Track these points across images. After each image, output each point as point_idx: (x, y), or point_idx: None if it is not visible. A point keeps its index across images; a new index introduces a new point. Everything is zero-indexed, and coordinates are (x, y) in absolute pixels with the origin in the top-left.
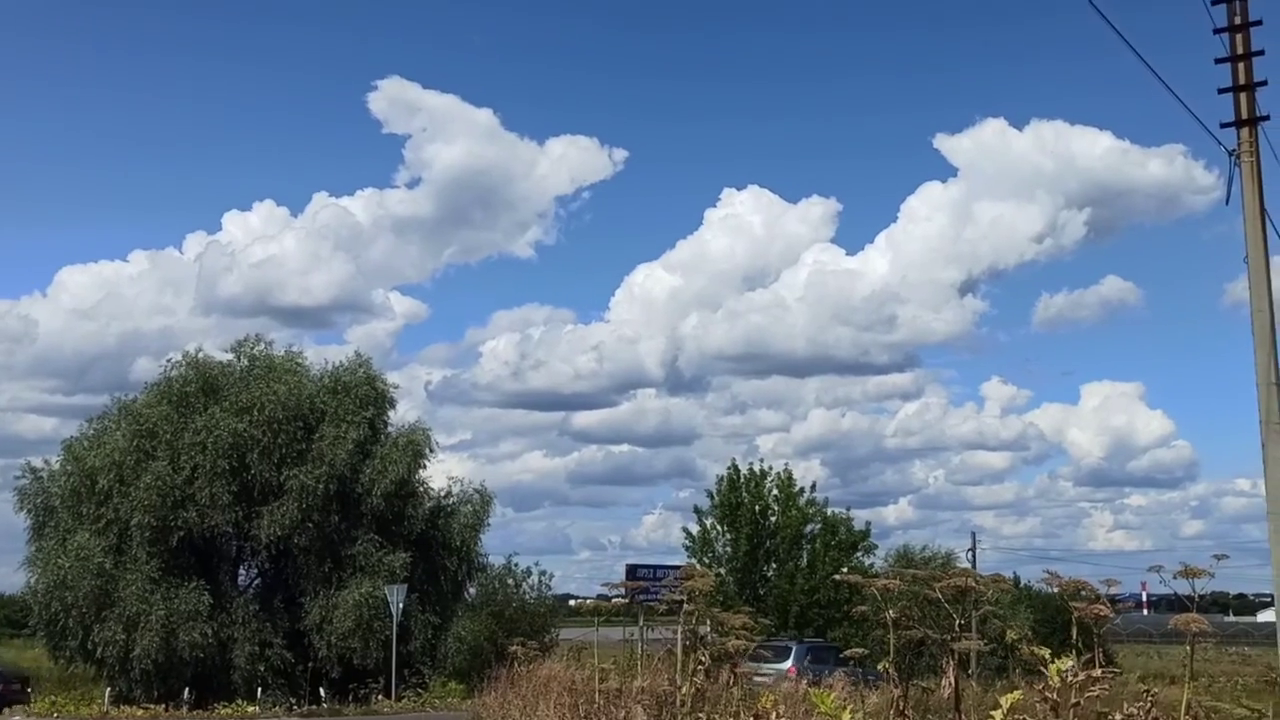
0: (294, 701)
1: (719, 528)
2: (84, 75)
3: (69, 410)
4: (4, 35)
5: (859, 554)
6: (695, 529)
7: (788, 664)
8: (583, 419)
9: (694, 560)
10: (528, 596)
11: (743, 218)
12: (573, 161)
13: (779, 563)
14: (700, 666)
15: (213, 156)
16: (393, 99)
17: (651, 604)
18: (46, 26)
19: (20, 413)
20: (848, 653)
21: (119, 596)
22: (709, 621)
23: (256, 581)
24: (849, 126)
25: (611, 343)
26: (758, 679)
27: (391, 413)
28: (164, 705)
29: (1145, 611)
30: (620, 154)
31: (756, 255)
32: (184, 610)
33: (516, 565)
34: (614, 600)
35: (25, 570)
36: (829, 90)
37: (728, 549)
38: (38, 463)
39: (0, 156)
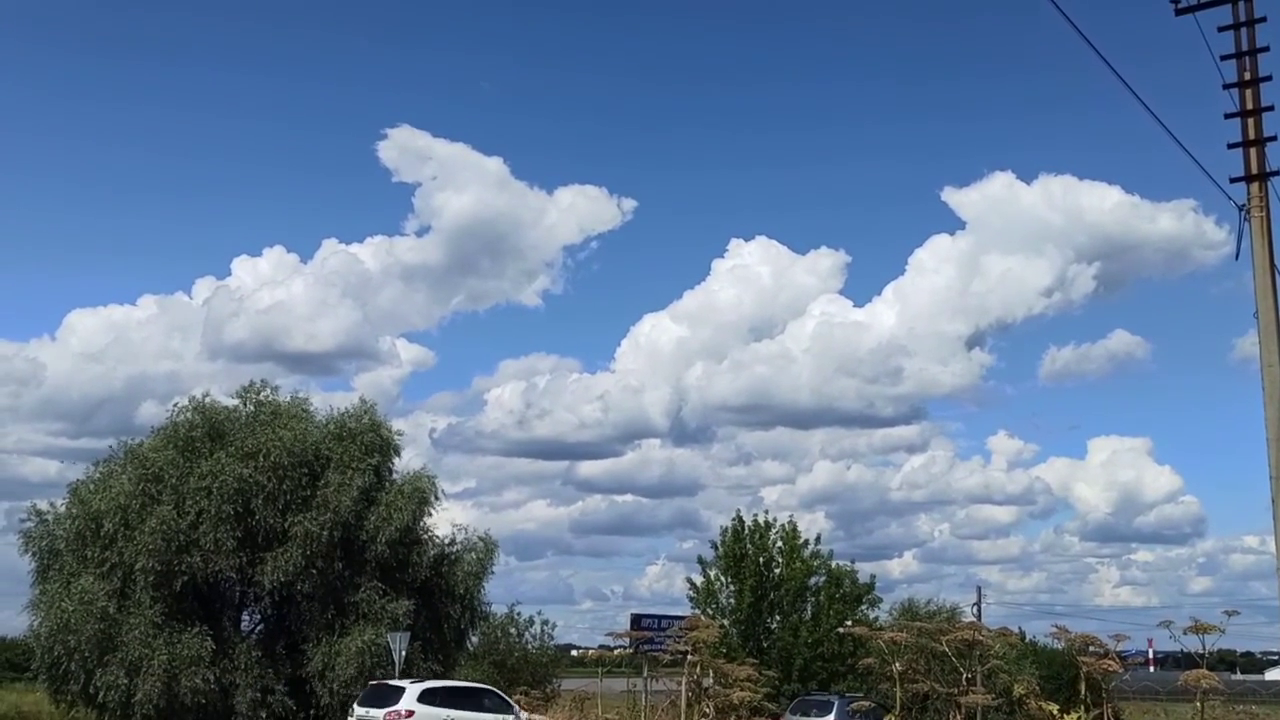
0: None
1: (723, 579)
2: (96, 123)
3: (75, 453)
4: (21, 85)
5: (863, 607)
6: (699, 580)
7: (830, 719)
8: (587, 468)
9: (698, 611)
10: (530, 646)
11: (751, 268)
12: (581, 211)
13: (783, 615)
14: (705, 718)
15: (224, 203)
16: (403, 147)
17: (656, 654)
18: (63, 78)
19: (26, 455)
20: (854, 705)
21: (122, 640)
22: (713, 673)
23: (259, 627)
24: (858, 178)
25: (617, 393)
26: None
27: (396, 460)
28: None
29: (1152, 669)
30: (629, 204)
31: (764, 306)
32: (186, 655)
33: (519, 614)
34: (617, 651)
35: (29, 613)
36: (838, 142)
37: (731, 600)
38: (43, 505)
39: (12, 201)
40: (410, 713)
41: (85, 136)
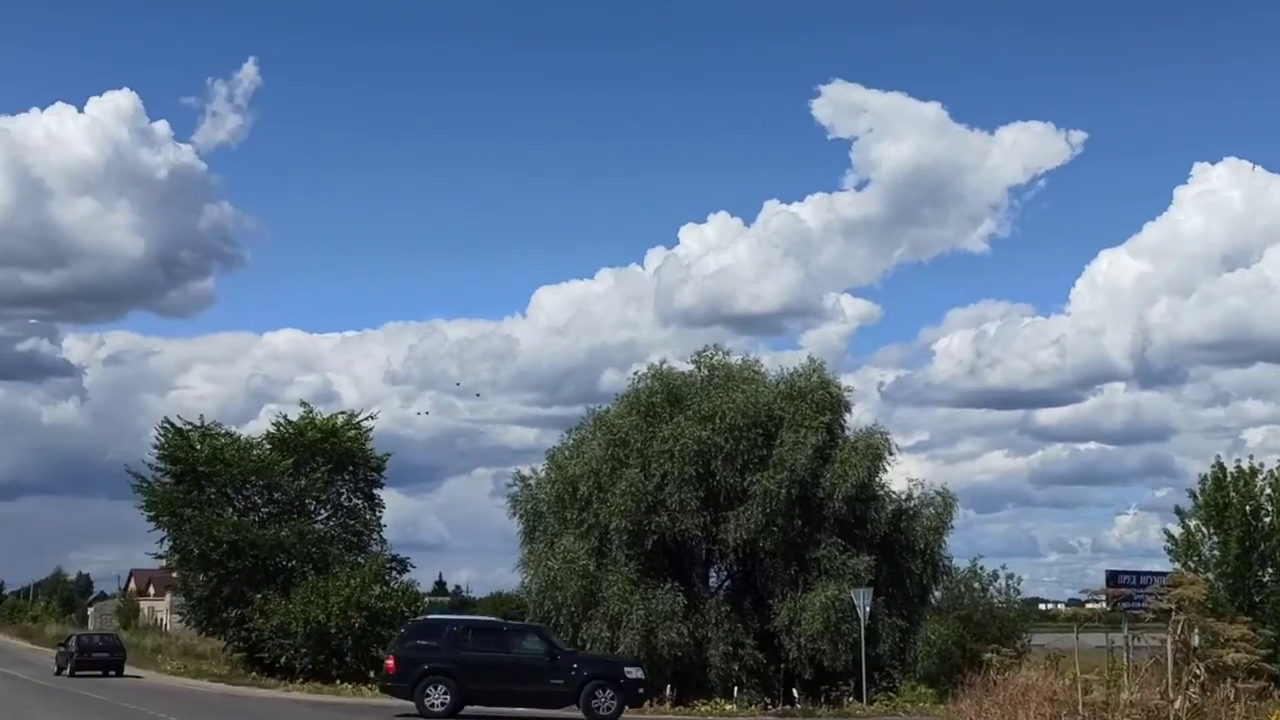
0: (768, 701)
1: (1204, 530)
2: (553, 115)
3: (547, 421)
4: (493, 89)
5: None
6: (1177, 531)
7: None
8: (1045, 416)
9: (1176, 564)
10: (995, 600)
11: (1219, 194)
12: (1026, 149)
13: (1276, 568)
14: (1195, 679)
15: (670, 174)
16: (837, 103)
17: (1136, 613)
18: (527, 78)
19: (506, 424)
20: None
21: (602, 596)
22: (1199, 631)
23: (726, 583)
24: None
25: (1074, 335)
26: None
27: (848, 416)
28: (648, 701)
29: None
30: (1078, 136)
31: (1236, 233)
32: (661, 610)
33: (982, 568)
34: (1088, 605)
35: (520, 571)
36: None
37: (1215, 552)
38: (526, 471)
39: (489, 192)
40: None
41: (545, 128)
